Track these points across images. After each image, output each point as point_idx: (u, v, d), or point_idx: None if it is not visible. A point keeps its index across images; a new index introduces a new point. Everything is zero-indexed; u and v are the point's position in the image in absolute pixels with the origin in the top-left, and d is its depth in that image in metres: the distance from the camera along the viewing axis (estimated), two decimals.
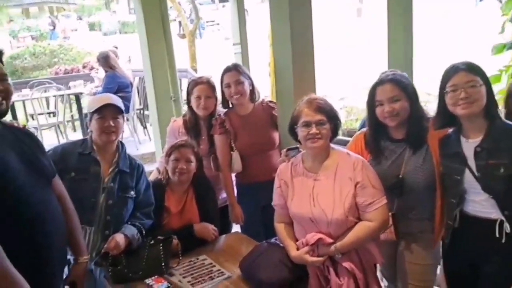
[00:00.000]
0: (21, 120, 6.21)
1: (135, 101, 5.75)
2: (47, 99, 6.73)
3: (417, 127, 1.89)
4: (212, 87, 2.62)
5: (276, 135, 2.61)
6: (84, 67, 9.25)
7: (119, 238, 2.06)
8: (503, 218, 1.66)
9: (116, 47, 8.26)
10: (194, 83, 2.63)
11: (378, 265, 1.99)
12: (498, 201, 1.66)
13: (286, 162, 1.97)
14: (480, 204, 1.71)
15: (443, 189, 1.83)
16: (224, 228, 2.61)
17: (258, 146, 2.59)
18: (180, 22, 14.56)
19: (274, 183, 1.99)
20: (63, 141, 5.68)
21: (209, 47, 13.87)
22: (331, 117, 1.82)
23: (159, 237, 2.17)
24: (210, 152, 2.65)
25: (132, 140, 5.53)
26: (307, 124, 1.79)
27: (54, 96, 6.38)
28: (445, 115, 1.75)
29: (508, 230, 1.65)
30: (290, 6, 2.34)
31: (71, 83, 6.93)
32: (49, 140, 5.37)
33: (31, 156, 1.65)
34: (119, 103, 2.15)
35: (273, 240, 2.06)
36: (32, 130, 1.86)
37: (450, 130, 1.81)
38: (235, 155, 2.58)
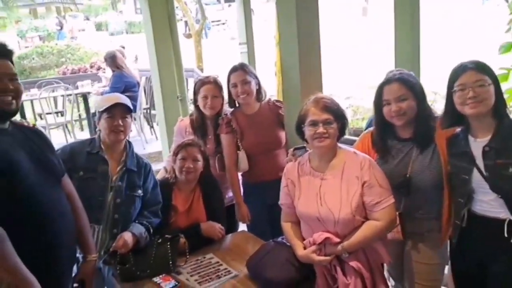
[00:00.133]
0: (30, 119, 6.26)
1: (142, 101, 5.78)
2: (55, 98, 6.78)
3: (424, 126, 1.88)
4: (218, 87, 2.62)
5: (282, 134, 2.62)
6: (91, 67, 9.30)
7: (127, 236, 2.07)
8: (511, 218, 1.65)
9: (123, 47, 8.30)
10: (201, 83, 2.64)
11: (385, 265, 1.99)
12: (506, 200, 1.65)
13: (293, 161, 1.97)
14: (489, 203, 1.70)
15: (451, 188, 1.82)
16: (231, 227, 2.61)
17: (265, 145, 2.59)
18: (186, 22, 14.57)
19: (281, 182, 1.99)
20: (71, 140, 5.73)
21: (215, 47, 13.90)
22: (338, 116, 1.82)
23: (166, 235, 2.18)
24: (217, 151, 2.66)
25: (139, 140, 5.56)
26: (314, 123, 1.79)
27: (62, 95, 6.46)
28: (453, 114, 1.74)
29: None
30: (297, 6, 2.34)
31: (78, 83, 6.98)
32: (57, 139, 5.41)
33: (41, 155, 1.66)
34: (128, 102, 2.17)
35: (279, 239, 2.06)
36: (40, 129, 1.88)
37: (458, 129, 1.80)
38: (242, 154, 2.58)
